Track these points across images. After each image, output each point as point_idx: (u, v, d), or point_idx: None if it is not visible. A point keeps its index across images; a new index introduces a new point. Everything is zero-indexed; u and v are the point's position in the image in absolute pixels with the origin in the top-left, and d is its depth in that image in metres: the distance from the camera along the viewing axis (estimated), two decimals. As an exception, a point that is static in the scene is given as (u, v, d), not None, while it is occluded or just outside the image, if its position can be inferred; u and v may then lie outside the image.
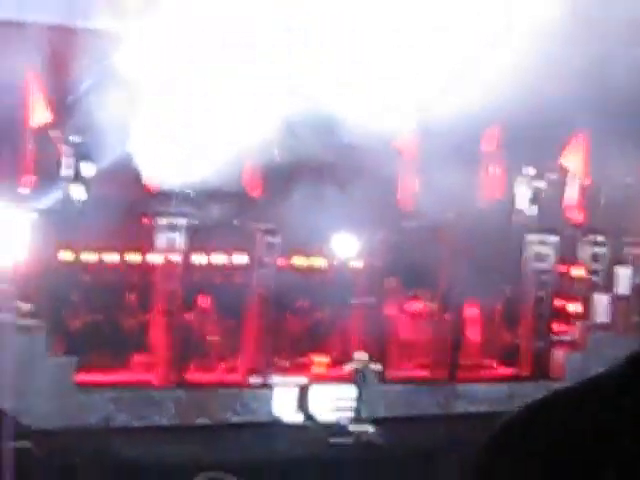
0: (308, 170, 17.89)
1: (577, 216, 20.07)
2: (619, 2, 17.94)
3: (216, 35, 18.45)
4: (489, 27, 17.89)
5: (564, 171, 19.99)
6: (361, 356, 17.29)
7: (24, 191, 16.98)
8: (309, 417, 17.13)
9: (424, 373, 19.25)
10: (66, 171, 17.03)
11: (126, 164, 17.27)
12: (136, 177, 17.28)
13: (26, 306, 16.58)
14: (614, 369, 1.02)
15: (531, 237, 19.59)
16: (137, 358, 17.26)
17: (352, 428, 16.95)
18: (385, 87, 17.99)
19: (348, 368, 17.41)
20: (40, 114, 17.41)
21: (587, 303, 20.08)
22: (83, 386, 16.44)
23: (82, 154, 17.11)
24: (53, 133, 17.50)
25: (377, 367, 17.52)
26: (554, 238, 19.54)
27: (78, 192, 17.00)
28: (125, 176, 17.53)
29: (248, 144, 17.06)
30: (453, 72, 17.55)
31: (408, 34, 18.08)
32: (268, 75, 18.01)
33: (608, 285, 19.87)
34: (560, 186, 20.25)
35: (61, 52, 18.02)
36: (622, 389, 1.00)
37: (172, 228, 17.03)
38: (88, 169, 16.92)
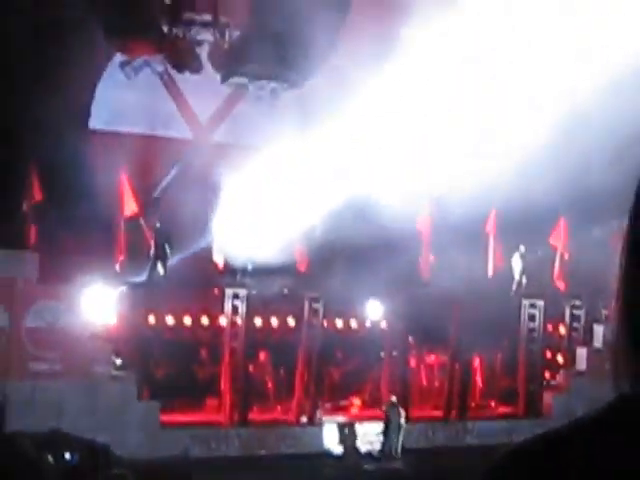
0: (345, 248, 20.23)
1: (560, 284, 22.46)
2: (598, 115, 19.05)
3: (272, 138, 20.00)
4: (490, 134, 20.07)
5: (550, 248, 22.46)
6: (393, 399, 19.35)
7: (119, 267, 19.37)
8: (347, 448, 19.08)
9: (439, 413, 21.41)
10: (152, 252, 19.42)
11: (200, 246, 20.44)
12: (208, 256, 20.10)
13: (119, 360, 18.78)
14: (594, 412, 1.15)
15: (525, 301, 21.91)
16: (209, 402, 19.67)
17: (383, 455, 19.18)
18: (409, 179, 19.87)
19: (384, 408, 19.60)
20: (131, 206, 19.53)
21: (570, 355, 22.41)
22: (166, 425, 18.59)
23: (165, 238, 19.45)
24: (142, 221, 19.99)
25: (402, 409, 19.32)
26: (541, 302, 21.93)
27: (161, 269, 19.39)
28: (199, 255, 20.46)
29: (298, 228, 19.75)
30: (462, 168, 19.38)
31: (427, 135, 20.37)
32: (316, 170, 20.45)
33: (587, 339, 21.97)
34: (547, 260, 22.53)
35: (147, 155, 20.67)
36: (603, 429, 1.12)
37: (236, 297, 19.19)
38: (169, 250, 19.42)
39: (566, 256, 22.39)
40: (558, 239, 22.32)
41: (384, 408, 19.68)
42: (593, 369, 21.61)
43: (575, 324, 22.43)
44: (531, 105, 20.14)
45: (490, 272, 22.18)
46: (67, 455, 14.60)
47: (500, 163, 18.86)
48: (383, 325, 21.50)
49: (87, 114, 21.23)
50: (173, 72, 20.92)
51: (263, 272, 19.62)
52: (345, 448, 19.33)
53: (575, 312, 22.43)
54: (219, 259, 19.95)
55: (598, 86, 19.40)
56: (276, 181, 20.59)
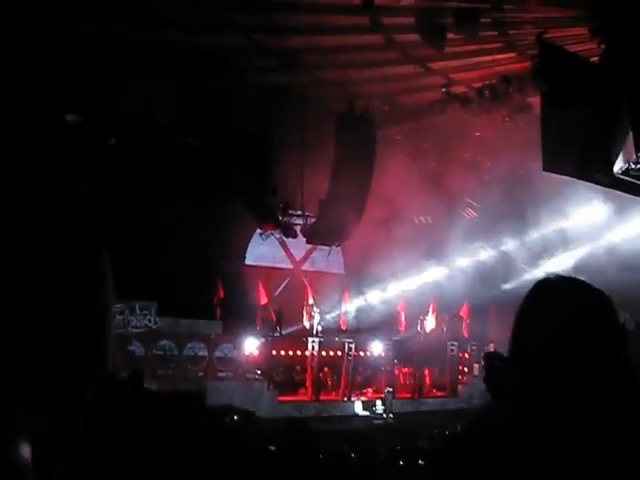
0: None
1: (466, 334, 29.01)
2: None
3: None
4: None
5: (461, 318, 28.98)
6: (388, 389, 25.65)
7: (259, 329, 25.35)
8: (367, 412, 24.92)
9: (409, 395, 27.59)
10: (275, 322, 25.75)
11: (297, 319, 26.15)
12: (300, 322, 26.44)
13: (259, 371, 24.85)
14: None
15: (449, 342, 28.41)
16: (301, 391, 25.83)
17: (383, 415, 24.97)
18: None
19: (385, 393, 25.70)
20: (264, 298, 26.12)
21: (470, 367, 29.33)
22: (280, 402, 23.98)
23: (279, 316, 25.92)
24: (269, 307, 26.02)
25: (392, 393, 25.48)
26: (456, 342, 28.55)
27: (278, 330, 25.53)
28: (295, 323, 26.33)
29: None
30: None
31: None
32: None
33: (478, 359, 27.85)
34: (460, 324, 28.90)
35: (272, 276, 27.77)
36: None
37: (314, 342, 25.59)
38: (282, 322, 25.71)
39: (468, 322, 28.86)
40: (465, 314, 28.82)
41: (384, 393, 25.78)
42: (480, 376, 24.56)
43: (473, 352, 29.12)
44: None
45: (431, 328, 28.19)
46: (235, 417, 16.41)
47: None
48: (382, 354, 27.73)
49: (244, 256, 28.28)
50: (284, 238, 26.85)
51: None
52: (366, 412, 25.09)
53: (473, 348, 29.08)
54: (307, 324, 26.16)
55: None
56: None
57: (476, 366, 28.77)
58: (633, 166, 13.46)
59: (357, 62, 18.02)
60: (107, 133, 21.14)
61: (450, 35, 15.19)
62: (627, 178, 13.81)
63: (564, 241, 25.87)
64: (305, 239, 25.36)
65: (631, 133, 13.08)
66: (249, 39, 17.25)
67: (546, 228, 26.35)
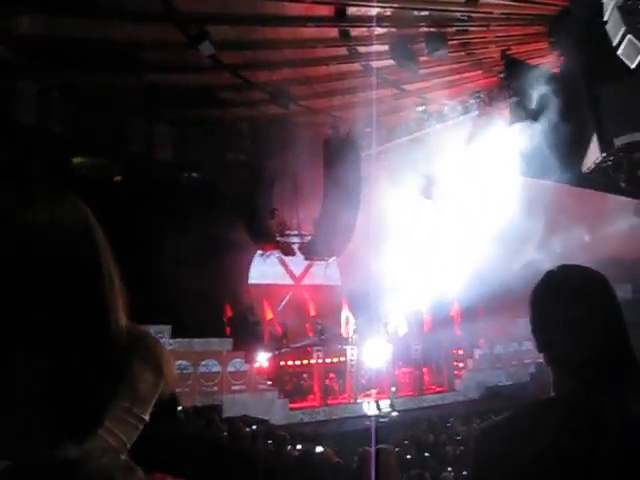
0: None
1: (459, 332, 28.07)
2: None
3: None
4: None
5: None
6: (393, 389, 25.57)
7: (267, 344, 24.79)
8: (374, 411, 23.74)
9: (410, 393, 26.86)
10: (281, 336, 25.20)
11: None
12: (304, 333, 25.76)
13: (269, 382, 24.11)
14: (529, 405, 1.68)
15: (445, 343, 27.41)
16: (310, 397, 25.14)
17: (389, 413, 24.13)
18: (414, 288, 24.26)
19: (389, 393, 25.27)
20: (269, 314, 25.75)
21: (464, 363, 28.82)
22: (292, 409, 23.65)
23: (285, 329, 25.35)
24: (274, 322, 25.71)
25: (396, 392, 25.20)
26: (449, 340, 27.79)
27: (286, 345, 25.03)
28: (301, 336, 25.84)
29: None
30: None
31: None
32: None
33: (470, 356, 28.45)
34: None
35: (274, 292, 27.46)
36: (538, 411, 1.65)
37: (318, 350, 25.06)
38: (287, 335, 25.18)
39: (459, 321, 27.93)
40: (456, 314, 28.00)
41: (389, 393, 25.59)
42: (474, 369, 28.80)
43: (465, 348, 28.81)
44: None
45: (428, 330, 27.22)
46: (254, 427, 15.44)
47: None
48: (383, 357, 26.56)
49: (247, 276, 27.99)
50: (283, 256, 27.14)
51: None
52: (373, 411, 24.00)
53: (465, 344, 28.70)
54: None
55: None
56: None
57: (469, 361, 28.95)
58: (599, 165, 13.82)
59: (339, 89, 18.20)
60: (112, 172, 22.02)
61: (422, 58, 15.42)
62: (593, 176, 13.96)
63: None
64: (303, 256, 25.53)
65: (595, 135, 13.31)
66: (237, 75, 17.42)
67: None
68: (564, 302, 1.79)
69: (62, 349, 1.35)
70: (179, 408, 17.19)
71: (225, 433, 10.85)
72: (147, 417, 1.49)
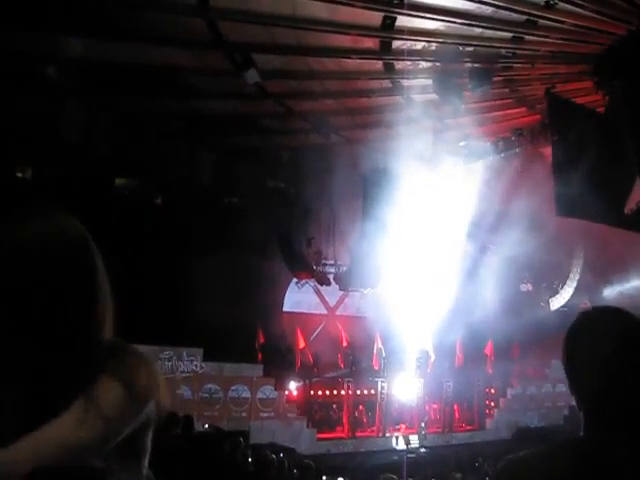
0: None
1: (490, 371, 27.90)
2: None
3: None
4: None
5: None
6: (422, 424, 25.50)
7: (296, 372, 25.22)
8: (402, 446, 21.46)
9: (440, 430, 27.05)
10: (312, 364, 25.49)
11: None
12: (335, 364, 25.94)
13: (298, 410, 24.50)
14: (557, 443, 1.60)
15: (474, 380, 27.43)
16: (338, 428, 25.60)
17: (417, 449, 24.13)
18: (415, 319, 23.62)
19: (418, 428, 25.29)
20: (301, 343, 25.86)
21: (496, 402, 28.62)
22: (319, 439, 24.17)
23: (317, 358, 25.71)
24: (306, 350, 25.66)
25: (425, 428, 25.19)
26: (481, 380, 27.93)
27: (317, 373, 25.32)
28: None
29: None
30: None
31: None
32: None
33: (503, 395, 28.26)
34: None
35: (310, 322, 27.74)
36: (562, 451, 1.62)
37: (349, 382, 25.47)
38: (318, 363, 25.58)
39: (492, 359, 27.44)
40: (490, 351, 27.51)
41: (418, 428, 25.72)
42: (506, 409, 28.61)
43: (498, 387, 28.58)
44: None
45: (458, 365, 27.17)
46: (280, 455, 14.72)
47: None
48: (413, 392, 26.88)
49: (282, 304, 28.07)
50: (318, 285, 26.98)
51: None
52: (401, 446, 21.83)
53: (497, 382, 28.32)
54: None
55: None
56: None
57: (502, 400, 28.50)
58: (642, 206, 13.61)
59: (380, 121, 18.08)
60: (153, 194, 22.47)
61: (465, 93, 15.26)
62: (636, 217, 13.92)
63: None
64: (338, 286, 25.15)
65: (639, 176, 13.28)
66: (281, 104, 17.46)
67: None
68: (596, 344, 1.76)
69: (26, 356, 1.42)
70: (206, 428, 17.27)
71: (250, 459, 10.78)
72: (119, 431, 1.51)
